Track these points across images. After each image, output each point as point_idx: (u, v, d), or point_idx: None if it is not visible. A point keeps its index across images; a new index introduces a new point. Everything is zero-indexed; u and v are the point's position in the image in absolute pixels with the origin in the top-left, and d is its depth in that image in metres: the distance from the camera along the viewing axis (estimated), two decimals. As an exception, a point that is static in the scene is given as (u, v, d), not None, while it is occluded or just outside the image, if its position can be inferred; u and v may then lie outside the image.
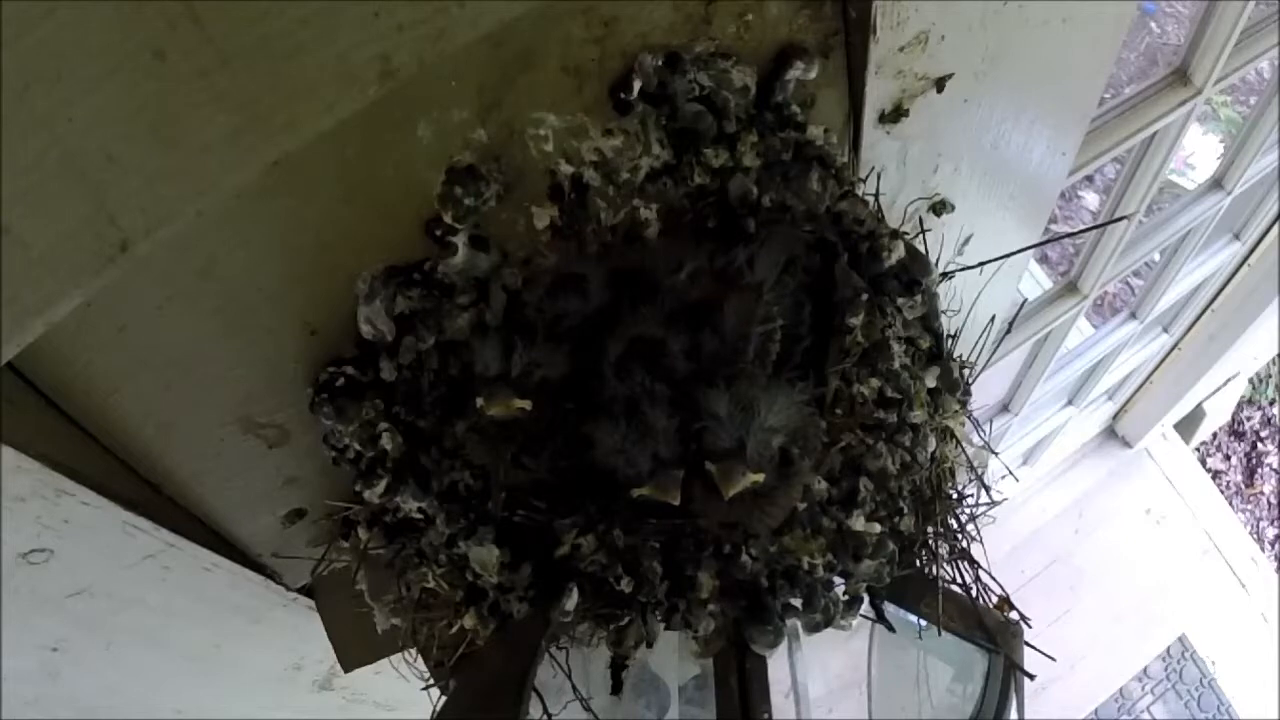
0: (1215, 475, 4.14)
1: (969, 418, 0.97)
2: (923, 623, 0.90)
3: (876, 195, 0.90)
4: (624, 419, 0.68)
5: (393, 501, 0.81)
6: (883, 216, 0.90)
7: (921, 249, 0.90)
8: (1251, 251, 2.58)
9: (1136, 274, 3.01)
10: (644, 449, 0.67)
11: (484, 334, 0.72)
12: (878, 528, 0.82)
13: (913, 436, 0.85)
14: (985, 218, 1.12)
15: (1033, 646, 0.91)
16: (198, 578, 0.88)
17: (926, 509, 0.90)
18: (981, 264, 1.07)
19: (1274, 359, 3.99)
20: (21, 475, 0.65)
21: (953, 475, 0.94)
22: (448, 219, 0.71)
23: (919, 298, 0.85)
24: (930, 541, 0.90)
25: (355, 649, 1.03)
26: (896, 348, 0.84)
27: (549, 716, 0.79)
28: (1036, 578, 3.51)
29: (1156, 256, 2.34)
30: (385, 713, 1.43)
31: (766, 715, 0.78)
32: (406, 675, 0.95)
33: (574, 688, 0.83)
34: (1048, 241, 3.23)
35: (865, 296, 0.80)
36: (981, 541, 0.96)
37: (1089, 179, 4.05)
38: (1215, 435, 4.25)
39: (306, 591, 1.02)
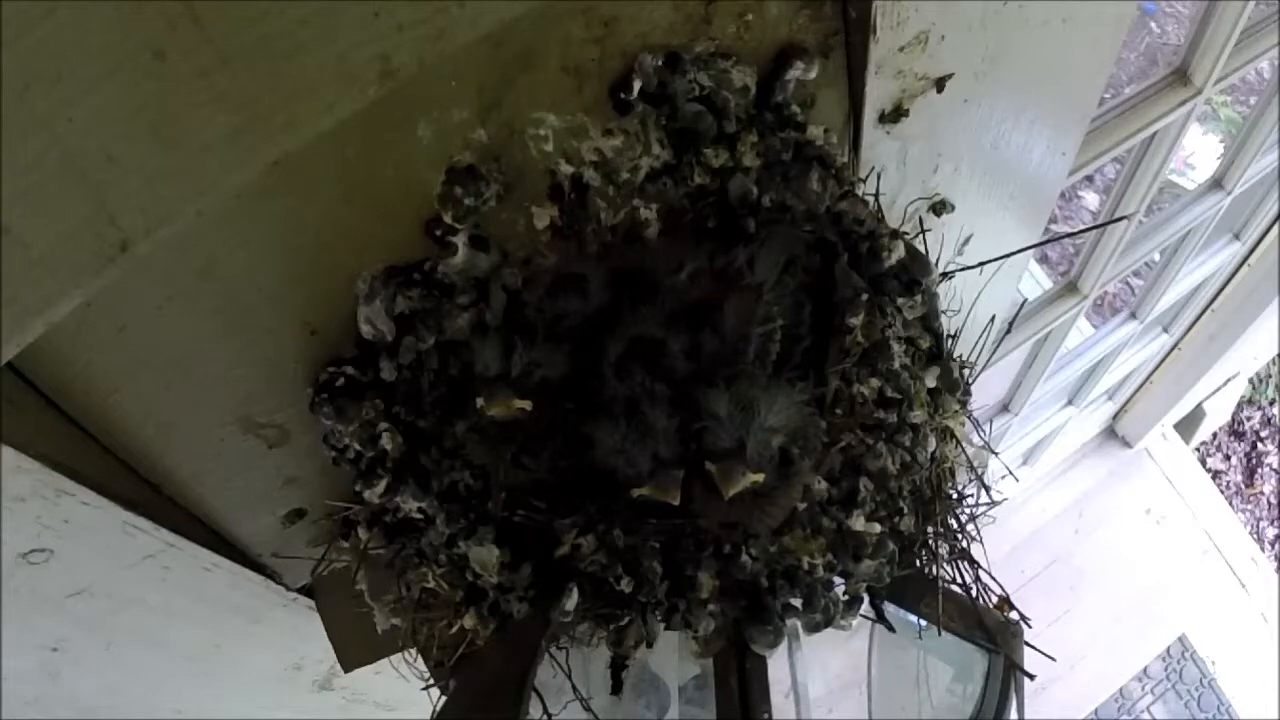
0: (1215, 475, 4.14)
1: (969, 418, 0.97)
2: (923, 623, 0.90)
3: (876, 195, 0.90)
4: (624, 419, 0.68)
5: (393, 501, 0.81)
6: (883, 216, 0.90)
7: (921, 249, 0.90)
8: (1251, 251, 2.58)
9: (1136, 274, 3.01)
10: (644, 449, 0.67)
11: (484, 334, 0.72)
12: (878, 528, 0.82)
13: (913, 436, 0.85)
14: (985, 218, 1.12)
15: (1033, 646, 0.91)
16: (198, 578, 0.88)
17: (926, 509, 0.90)
18: (981, 264, 1.07)
19: (1274, 359, 3.99)
20: (21, 475, 0.65)
21: (953, 475, 0.94)
22: (448, 219, 0.71)
23: (919, 298, 0.85)
24: (930, 541, 0.90)
25: (355, 649, 1.03)
26: (896, 348, 0.84)
27: (549, 716, 0.79)
28: (1036, 578, 3.51)
29: (1156, 256, 2.34)
30: (385, 713, 1.43)
31: (766, 715, 0.78)
32: (406, 675, 0.95)
33: (574, 688, 0.83)
34: (1048, 241, 3.23)
35: (865, 296, 0.80)
36: (981, 541, 0.96)
37: (1089, 179, 4.05)
38: (1215, 435, 4.25)
39: (306, 591, 1.02)
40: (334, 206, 0.68)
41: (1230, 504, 3.95)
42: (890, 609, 0.90)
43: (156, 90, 0.48)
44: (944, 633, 0.88)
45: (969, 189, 1.04)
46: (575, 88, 0.70)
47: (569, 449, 0.73)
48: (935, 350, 0.90)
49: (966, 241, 1.11)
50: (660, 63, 0.71)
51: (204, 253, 0.65)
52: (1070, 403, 3.01)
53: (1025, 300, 1.84)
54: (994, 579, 0.95)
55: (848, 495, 0.82)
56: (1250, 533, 3.93)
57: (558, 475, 0.76)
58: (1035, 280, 3.27)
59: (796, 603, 0.81)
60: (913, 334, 0.88)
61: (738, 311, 0.72)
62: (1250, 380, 4.18)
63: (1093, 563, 3.56)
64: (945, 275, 1.03)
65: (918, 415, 0.85)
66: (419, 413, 0.79)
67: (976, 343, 1.08)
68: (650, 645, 0.79)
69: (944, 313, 0.96)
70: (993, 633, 0.89)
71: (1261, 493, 4.25)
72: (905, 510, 0.86)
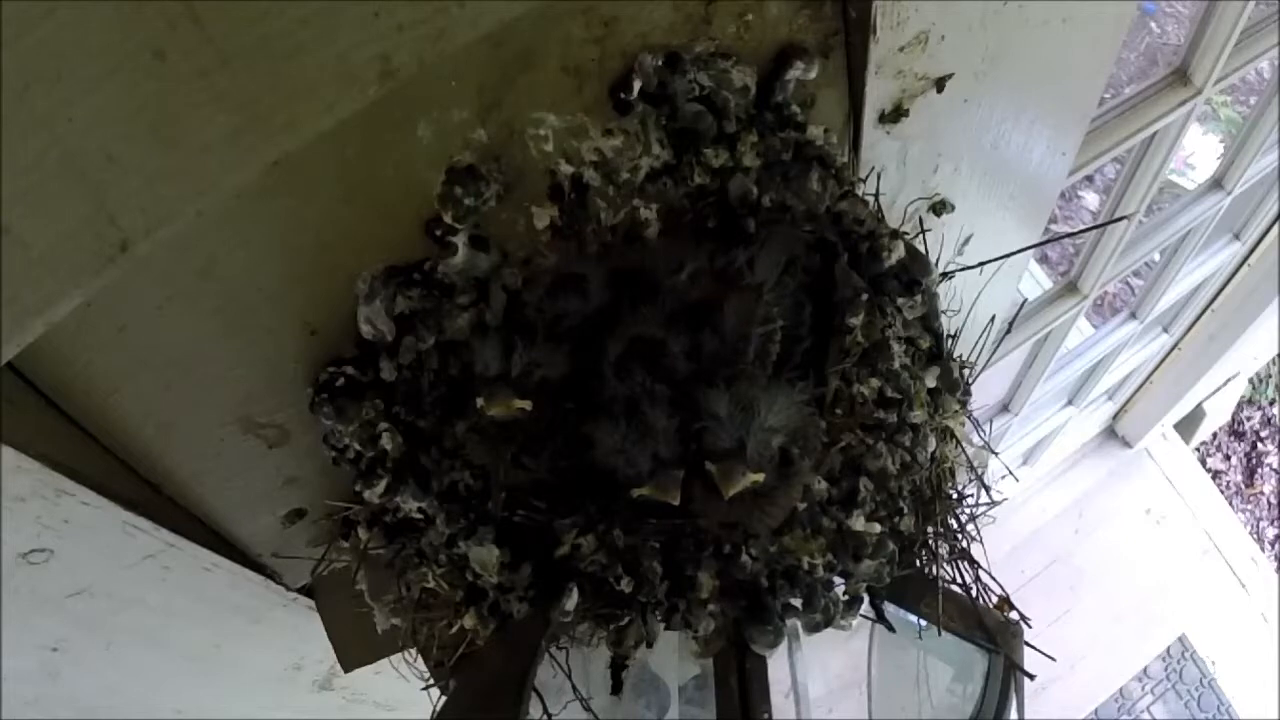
0: (1215, 475, 4.14)
1: (969, 418, 0.97)
2: (923, 623, 0.90)
3: (876, 195, 0.90)
4: (624, 419, 0.68)
5: (393, 501, 0.81)
6: (883, 216, 0.90)
7: (921, 249, 0.90)
8: (1251, 251, 2.58)
9: (1136, 274, 3.01)
10: (644, 449, 0.67)
11: (484, 334, 0.72)
12: (878, 528, 0.82)
13: (913, 436, 0.85)
14: (985, 218, 1.12)
15: (1033, 646, 0.91)
16: (198, 578, 0.88)
17: (926, 509, 0.90)
18: (981, 264, 1.07)
19: (1274, 359, 3.99)
20: (21, 475, 0.65)
21: (953, 475, 0.94)
22: (448, 219, 0.71)
23: (919, 298, 0.85)
24: (930, 541, 0.90)
25: (355, 649, 1.03)
26: (896, 348, 0.84)
27: (549, 716, 0.79)
28: (1036, 578, 3.51)
29: (1156, 256, 2.34)
30: (385, 713, 1.43)
31: (766, 715, 0.78)
32: (406, 675, 0.95)
33: (574, 688, 0.83)
34: (1048, 241, 3.23)
35: (865, 296, 0.80)
36: (981, 541, 0.96)
37: (1089, 179, 4.05)
38: (1215, 435, 4.25)
39: (306, 591, 1.02)
40: (334, 206, 0.68)
41: (1230, 504, 3.95)
42: (890, 609, 0.90)
43: (156, 90, 0.48)
44: (944, 633, 0.88)
45: (969, 189, 1.04)
46: (575, 88, 0.70)
47: (569, 449, 0.73)
48: (935, 350, 0.90)
49: (966, 241, 1.11)
50: (660, 63, 0.71)
51: (204, 253, 0.65)
52: (1070, 403, 3.01)
53: (1025, 300, 1.84)
54: (994, 579, 0.95)
55: (848, 495, 0.82)
56: (1250, 533, 3.93)
57: (558, 475, 0.76)
58: (1035, 280, 3.27)
59: (796, 603, 0.81)
60: (913, 334, 0.88)
61: (738, 312, 0.72)
62: (1250, 380, 4.18)
63: (1093, 563, 3.56)
64: (945, 275, 1.03)
65: (918, 415, 0.85)
66: (419, 413, 0.79)
67: (976, 343, 1.08)
68: (650, 645, 0.79)
69: (944, 313, 0.96)
70: (993, 633, 0.89)
71: (1261, 493, 4.25)
72: (905, 510, 0.86)
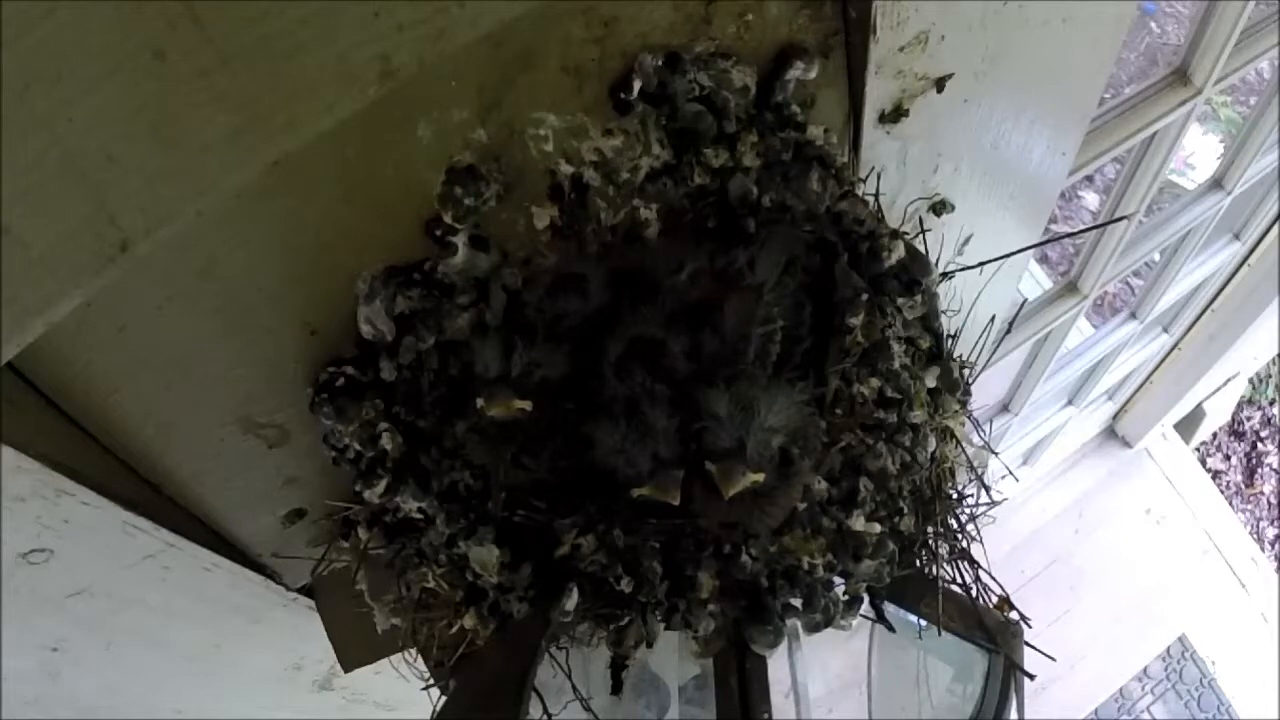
0: (1215, 475, 4.14)
1: (969, 418, 0.97)
2: (923, 623, 0.90)
3: (876, 195, 0.90)
4: (624, 419, 0.68)
5: (393, 501, 0.81)
6: (883, 216, 0.90)
7: (921, 249, 0.90)
8: (1251, 251, 2.58)
9: (1136, 274, 3.01)
10: (644, 449, 0.67)
11: (484, 334, 0.72)
12: (878, 528, 0.82)
13: (913, 436, 0.85)
14: (985, 218, 1.12)
15: (1033, 646, 0.91)
16: (198, 578, 0.88)
17: (926, 509, 0.90)
18: (981, 264, 1.07)
19: (1274, 359, 3.99)
20: (21, 475, 0.65)
21: (953, 475, 0.94)
22: (448, 219, 0.71)
23: (919, 298, 0.85)
24: (930, 541, 0.90)
25: (355, 649, 1.03)
26: (896, 348, 0.84)
27: (549, 716, 0.79)
28: (1036, 578, 3.51)
29: (1156, 256, 2.34)
30: (385, 713, 1.43)
31: (766, 715, 0.78)
32: (406, 675, 0.95)
33: (574, 688, 0.83)
34: (1048, 241, 3.23)
35: (865, 296, 0.80)
36: (981, 541, 0.96)
37: (1089, 179, 4.05)
38: (1215, 435, 4.25)
39: (306, 591, 1.02)
40: (334, 206, 0.68)
41: (1230, 504, 3.95)
42: (890, 609, 0.90)
43: (156, 90, 0.48)
44: (944, 633, 0.88)
45: (969, 189, 1.04)
46: (575, 88, 0.70)
47: (569, 449, 0.73)
48: (935, 350, 0.90)
49: (966, 241, 1.11)
50: (660, 63, 0.71)
51: (204, 253, 0.65)
52: (1070, 403, 3.01)
53: (1025, 300, 1.84)
54: (994, 579, 0.95)
55: (848, 495, 0.82)
56: (1250, 533, 3.93)
57: (558, 475, 0.76)
58: (1035, 280, 3.27)
59: (796, 603, 0.81)
60: (913, 334, 0.88)
61: (738, 312, 0.72)
62: (1250, 380, 4.18)
63: (1093, 563, 3.56)
64: (945, 275, 1.03)
65: (918, 415, 0.85)
66: (419, 413, 0.79)
67: (976, 343, 1.08)
68: (650, 645, 0.79)
69: (944, 313, 0.96)
70: (993, 633, 0.89)
71: (1261, 493, 4.25)
72: (905, 510, 0.86)
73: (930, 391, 0.89)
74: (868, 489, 0.82)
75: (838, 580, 0.83)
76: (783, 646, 0.80)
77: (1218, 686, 3.56)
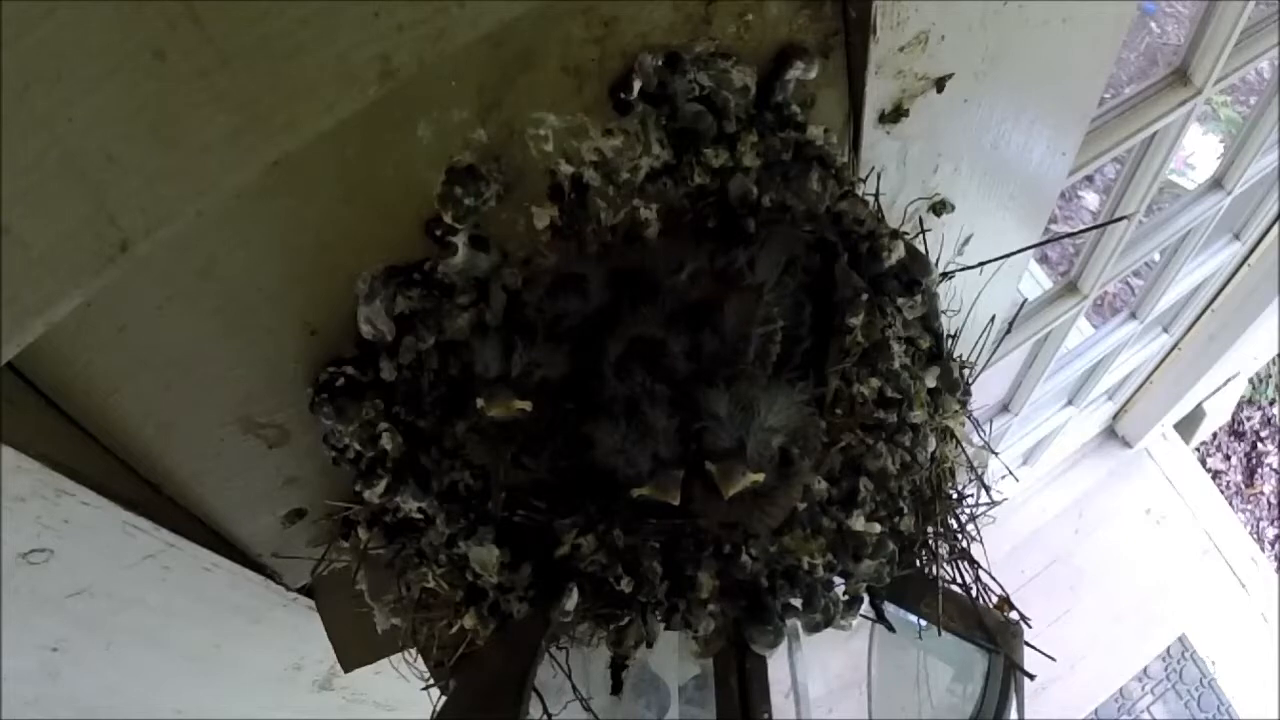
0: (1215, 475, 4.14)
1: (969, 418, 0.97)
2: (923, 623, 0.90)
3: (876, 195, 0.90)
4: (624, 419, 0.68)
5: (393, 501, 0.81)
6: (883, 216, 0.90)
7: (921, 249, 0.90)
8: (1251, 251, 2.58)
9: (1136, 274, 3.01)
10: (644, 449, 0.67)
11: (484, 334, 0.72)
12: (878, 528, 0.82)
13: (913, 436, 0.85)
14: (985, 218, 1.12)
15: (1033, 646, 0.91)
16: (198, 578, 0.88)
17: (926, 509, 0.90)
18: (981, 264, 1.07)
19: (1274, 359, 3.99)
20: (21, 475, 0.65)
21: (953, 475, 0.94)
22: (448, 219, 0.71)
23: (919, 298, 0.85)
24: (930, 541, 0.90)
25: (355, 649, 1.03)
26: (896, 348, 0.84)
27: (549, 716, 0.79)
28: (1036, 578, 3.51)
29: (1156, 256, 2.34)
30: (385, 713, 1.43)
31: (766, 715, 0.78)
32: (406, 675, 0.95)
33: (574, 688, 0.83)
34: (1048, 241, 3.23)
35: (865, 296, 0.80)
36: (981, 541, 0.96)
37: (1089, 179, 4.05)
38: (1215, 435, 4.25)
39: (306, 591, 1.02)
40: (334, 206, 0.68)
41: (1230, 504, 3.95)
42: (890, 609, 0.90)
43: (156, 90, 0.48)
44: (944, 633, 0.88)
45: (969, 189, 1.04)
46: (575, 88, 0.70)
47: (569, 449, 0.73)
48: (935, 350, 0.90)
49: (966, 241, 1.11)
50: (660, 63, 0.71)
51: (204, 253, 0.65)
52: (1070, 403, 3.01)
53: (1025, 300, 1.84)
54: (994, 579, 0.95)
55: (848, 495, 0.82)
56: (1250, 533, 3.93)
57: (558, 475, 0.76)
58: (1035, 280, 3.27)
59: (796, 603, 0.81)
60: (913, 334, 0.88)
61: (738, 312, 0.72)
62: (1250, 380, 4.18)
63: (1093, 563, 3.56)
64: (945, 275, 1.03)
65: (918, 415, 0.85)
66: (419, 413, 0.79)
67: (976, 343, 1.08)
68: (650, 645, 0.79)
69: (944, 313, 0.96)
70: (993, 633, 0.89)
71: (1261, 493, 4.25)
72: (905, 510, 0.86)
73: (930, 391, 0.89)
74: (868, 489, 0.82)
75: (838, 580, 0.83)
76: (783, 646, 0.80)
77: (1218, 686, 3.56)
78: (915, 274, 0.85)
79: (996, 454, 1.11)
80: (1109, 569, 3.56)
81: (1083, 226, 3.71)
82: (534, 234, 0.76)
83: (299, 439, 0.83)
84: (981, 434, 1.10)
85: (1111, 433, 3.68)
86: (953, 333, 1.00)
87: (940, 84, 0.87)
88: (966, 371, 0.97)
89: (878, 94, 0.84)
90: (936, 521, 0.91)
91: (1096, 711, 3.50)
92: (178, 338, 0.69)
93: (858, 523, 0.81)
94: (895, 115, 0.87)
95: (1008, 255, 1.12)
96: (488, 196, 0.71)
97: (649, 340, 0.71)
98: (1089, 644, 3.42)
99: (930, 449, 0.87)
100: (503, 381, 0.69)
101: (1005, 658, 0.88)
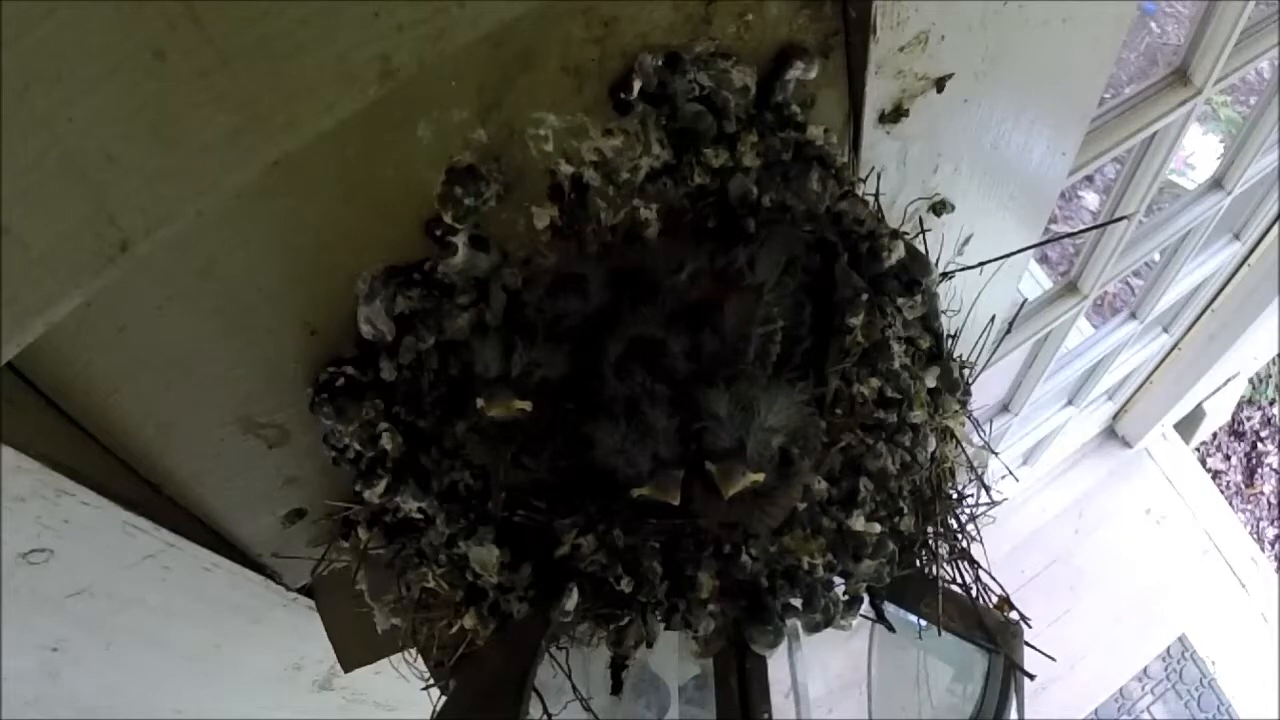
0: (1215, 475, 4.14)
1: (969, 418, 0.97)
2: (923, 623, 0.90)
3: (876, 195, 0.90)
4: (624, 419, 0.68)
5: (393, 501, 0.81)
6: (883, 216, 0.90)
7: (921, 249, 0.90)
8: (1251, 251, 2.58)
9: (1136, 274, 3.01)
10: (644, 449, 0.67)
11: (484, 334, 0.72)
12: (878, 528, 0.82)
13: (913, 436, 0.85)
14: (985, 218, 1.12)
15: (1033, 646, 0.91)
16: (198, 578, 0.88)
17: (926, 509, 0.90)
18: (981, 264, 1.07)
19: (1274, 359, 3.99)
20: (21, 475, 0.65)
21: (953, 475, 0.94)
22: (448, 219, 0.71)
23: (919, 298, 0.85)
24: (930, 541, 0.90)
25: (355, 649, 1.03)
26: (896, 348, 0.84)
27: (549, 716, 0.79)
28: (1036, 578, 3.51)
29: (1156, 256, 2.34)
30: (385, 713, 1.43)
31: (766, 715, 0.78)
32: (406, 675, 0.95)
33: (574, 688, 0.83)
34: (1048, 241, 3.23)
35: (865, 296, 0.80)
36: (981, 541, 0.96)
37: (1089, 179, 4.05)
38: (1215, 435, 4.25)
39: (306, 591, 1.02)
40: (334, 206, 0.68)
41: (1230, 504, 3.95)
42: (890, 609, 0.90)
43: (156, 90, 0.48)
44: (944, 633, 0.88)
45: (969, 189, 1.04)
46: (575, 88, 0.70)
47: (569, 449, 0.73)
48: (935, 350, 0.90)
49: (966, 241, 1.11)
50: (660, 63, 0.71)
51: (204, 253, 0.65)
52: (1070, 403, 3.01)
53: (1025, 300, 1.84)
54: (994, 579, 0.95)
55: (848, 495, 0.82)
56: (1250, 533, 3.93)
57: (558, 475, 0.76)
58: (1035, 280, 3.27)
59: (796, 603, 0.81)
60: (913, 334, 0.88)
61: (738, 312, 0.72)
62: (1250, 380, 4.18)
63: (1093, 563, 3.56)
64: (945, 275, 1.03)
65: (918, 415, 0.85)
66: (419, 413, 0.79)
67: (976, 343, 1.08)
68: (650, 645, 0.79)
69: (944, 313, 0.96)
70: (993, 633, 0.89)
71: (1261, 493, 4.25)
72: (905, 510, 0.86)
73: (930, 391, 0.89)
74: (868, 489, 0.82)
75: (838, 580, 0.83)
76: (783, 646, 0.80)
77: (1218, 686, 3.56)
78: (915, 274, 0.85)
79: (996, 454, 1.11)
80: (1109, 569, 3.57)
81: (1083, 226, 3.71)
82: (534, 234, 0.76)
83: (299, 439, 0.83)
84: (981, 434, 1.10)
85: (1111, 433, 3.68)
86: (953, 333, 1.00)
87: (940, 84, 0.87)
88: (966, 371, 0.97)
89: (878, 94, 0.84)
90: (936, 521, 0.91)
91: (1096, 711, 3.50)
92: (178, 338, 0.69)
93: (858, 523, 0.81)
94: (895, 115, 0.87)
95: (1008, 255, 1.12)
96: (488, 196, 0.71)
97: (649, 340, 0.71)
98: (1089, 644, 3.42)
99: (930, 449, 0.87)
100: (503, 381, 0.69)
101: (1005, 658, 0.88)
